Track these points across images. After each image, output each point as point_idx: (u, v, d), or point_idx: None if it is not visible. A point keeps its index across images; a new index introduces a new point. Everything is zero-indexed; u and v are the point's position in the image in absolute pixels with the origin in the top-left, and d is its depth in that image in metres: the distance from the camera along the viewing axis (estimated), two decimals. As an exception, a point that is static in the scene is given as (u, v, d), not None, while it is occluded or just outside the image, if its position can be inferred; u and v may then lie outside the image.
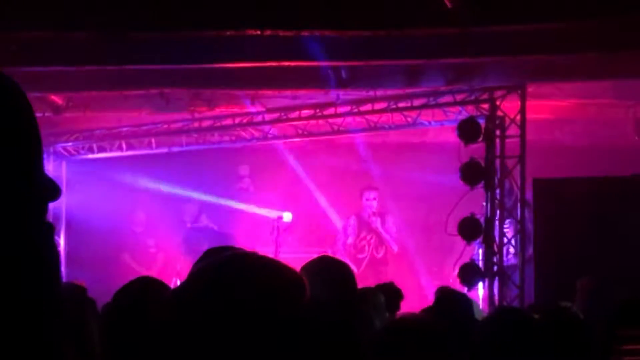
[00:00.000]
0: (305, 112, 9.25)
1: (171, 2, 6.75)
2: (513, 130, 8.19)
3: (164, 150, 10.06)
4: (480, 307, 6.67)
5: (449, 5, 6.35)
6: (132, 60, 7.47)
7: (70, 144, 10.13)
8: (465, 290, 7.75)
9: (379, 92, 8.79)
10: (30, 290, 0.99)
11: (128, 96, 9.23)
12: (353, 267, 8.81)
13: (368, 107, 8.98)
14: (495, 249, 8.12)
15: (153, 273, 9.31)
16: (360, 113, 9.07)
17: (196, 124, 9.73)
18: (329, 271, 3.61)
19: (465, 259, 8.15)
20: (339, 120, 9.23)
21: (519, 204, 8.18)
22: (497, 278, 8.08)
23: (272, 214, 10.08)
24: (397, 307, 5.55)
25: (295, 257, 8.12)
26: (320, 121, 9.34)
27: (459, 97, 8.45)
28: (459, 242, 8.13)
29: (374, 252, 10.05)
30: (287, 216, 9.90)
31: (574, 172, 8.23)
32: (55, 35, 7.05)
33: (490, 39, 7.00)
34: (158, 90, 8.79)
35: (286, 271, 1.20)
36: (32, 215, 1.01)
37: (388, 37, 7.01)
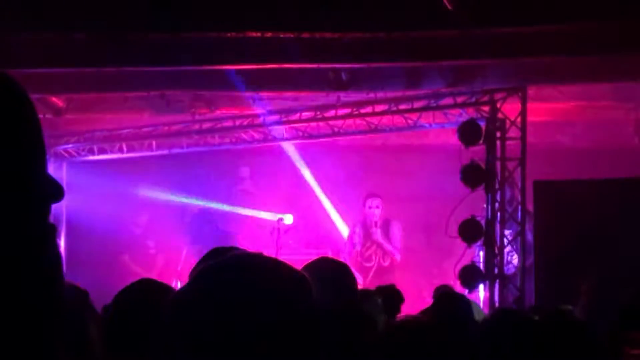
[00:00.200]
0: (306, 114, 9.25)
1: (172, 3, 6.75)
2: (514, 133, 8.18)
3: (165, 152, 10.05)
4: (481, 308, 6.66)
5: (449, 7, 6.35)
6: (133, 62, 7.47)
7: (70, 145, 10.13)
8: (466, 292, 7.74)
9: (380, 94, 8.78)
10: (31, 291, 0.99)
11: (128, 98, 9.24)
12: (359, 277, 8.79)
13: (368, 109, 8.98)
14: (496, 251, 8.12)
15: (153, 275, 9.31)
16: (360, 115, 9.06)
17: (197, 126, 9.73)
18: (329, 272, 3.61)
19: (466, 261, 8.15)
20: (339, 122, 9.23)
21: (519, 207, 8.18)
22: (497, 281, 8.08)
23: (273, 216, 10.09)
24: (398, 310, 5.55)
25: (295, 258, 8.13)
26: (321, 123, 9.34)
27: (459, 99, 8.44)
28: (459, 244, 8.13)
29: (381, 260, 9.96)
30: (288, 218, 9.90)
31: (574, 174, 8.23)
32: (56, 36, 7.05)
33: (491, 40, 7.00)
34: (159, 92, 8.79)
35: (291, 272, 1.20)
36: (35, 216, 1.01)
37: (388, 39, 7.01)
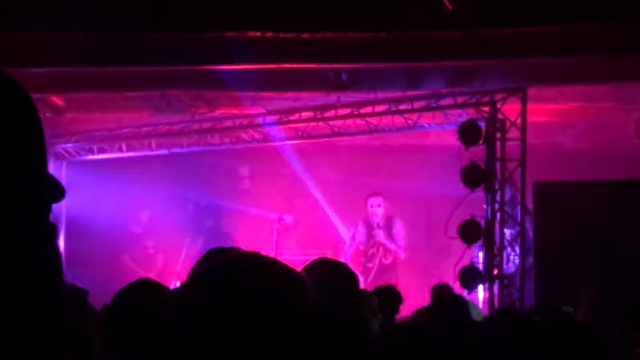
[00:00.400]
0: (306, 114, 9.25)
1: (172, 3, 6.75)
2: (514, 133, 8.18)
3: (165, 151, 10.06)
4: (480, 309, 6.66)
5: (449, 7, 6.35)
6: (133, 61, 7.47)
7: (70, 145, 10.14)
8: (465, 293, 7.74)
9: (380, 95, 8.78)
10: (31, 290, 0.99)
11: (128, 97, 9.24)
12: (360, 277, 8.75)
13: (369, 109, 8.97)
14: (496, 251, 8.12)
15: (153, 275, 9.32)
16: (360, 115, 9.06)
17: (196, 126, 9.73)
18: (329, 272, 3.60)
19: (465, 262, 8.14)
20: (339, 122, 9.23)
21: (519, 207, 8.17)
22: (497, 281, 8.08)
23: (272, 215, 10.09)
24: (396, 311, 5.55)
25: (294, 259, 8.12)
26: (321, 123, 9.33)
27: (459, 100, 8.44)
28: (459, 244, 8.12)
29: (382, 259, 9.93)
30: (288, 218, 9.90)
31: (574, 175, 8.22)
32: (56, 35, 7.05)
33: (492, 41, 7.00)
34: (159, 92, 8.80)
35: (288, 272, 1.20)
36: (35, 215, 1.01)
37: (389, 39, 7.01)
